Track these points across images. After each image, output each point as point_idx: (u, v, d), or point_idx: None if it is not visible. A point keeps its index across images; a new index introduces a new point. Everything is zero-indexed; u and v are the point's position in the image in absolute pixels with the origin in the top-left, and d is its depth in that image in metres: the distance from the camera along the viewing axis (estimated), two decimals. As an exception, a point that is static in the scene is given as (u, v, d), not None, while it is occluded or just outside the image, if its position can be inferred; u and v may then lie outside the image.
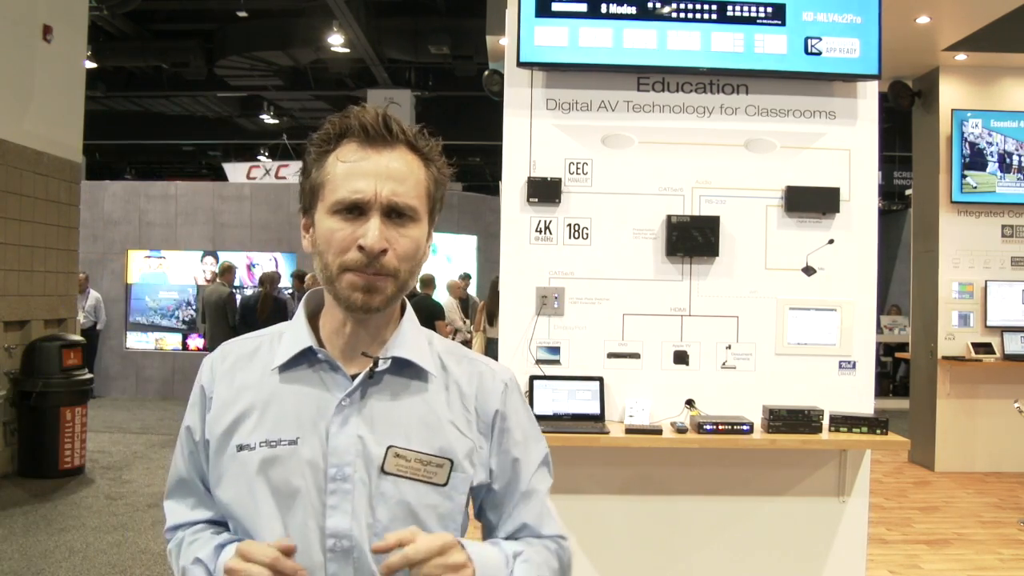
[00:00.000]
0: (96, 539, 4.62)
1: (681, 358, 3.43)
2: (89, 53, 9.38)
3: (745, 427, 3.18)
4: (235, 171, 15.23)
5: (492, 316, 8.04)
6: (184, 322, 11.18)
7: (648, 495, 3.43)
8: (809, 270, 3.46)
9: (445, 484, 1.10)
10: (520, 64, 3.36)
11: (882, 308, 12.71)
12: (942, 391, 6.63)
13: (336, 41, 10.56)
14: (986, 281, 6.56)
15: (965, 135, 6.55)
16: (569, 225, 3.43)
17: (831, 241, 3.46)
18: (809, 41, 3.36)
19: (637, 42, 3.34)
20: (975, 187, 6.56)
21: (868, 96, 3.48)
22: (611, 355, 3.42)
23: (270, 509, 1.08)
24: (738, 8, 3.34)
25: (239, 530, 1.11)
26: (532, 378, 3.30)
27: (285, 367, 1.13)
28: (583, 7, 3.32)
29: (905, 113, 7.10)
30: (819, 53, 3.36)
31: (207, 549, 1.11)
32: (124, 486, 5.88)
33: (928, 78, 6.78)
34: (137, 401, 10.52)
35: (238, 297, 9.20)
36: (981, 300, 6.58)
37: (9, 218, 5.96)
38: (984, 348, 6.53)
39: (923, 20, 5.48)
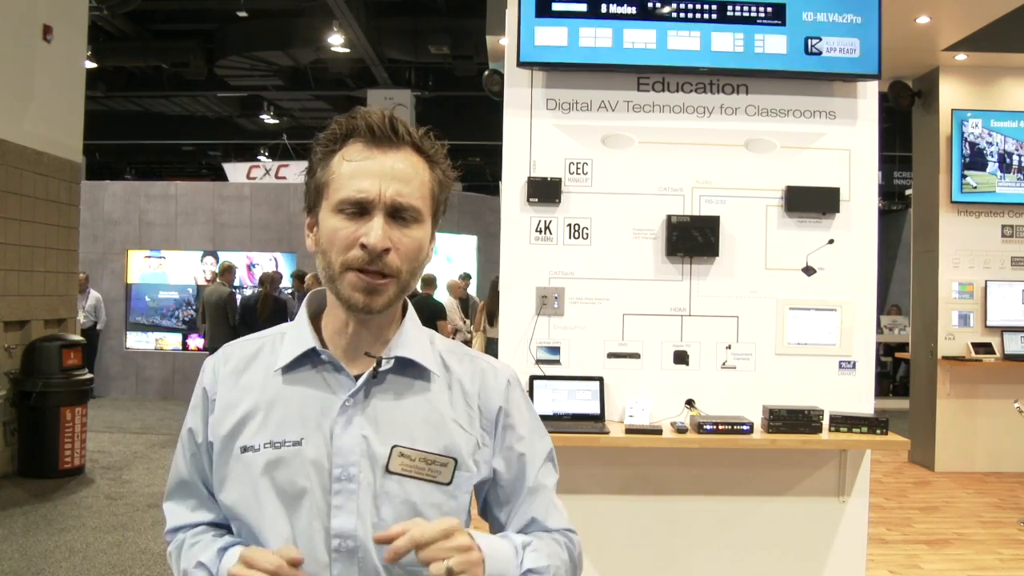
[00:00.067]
0: (96, 539, 4.62)
1: (681, 358, 3.43)
2: (89, 53, 9.38)
3: (745, 427, 3.18)
4: (235, 171, 15.24)
5: (492, 316, 8.04)
6: (184, 322, 11.18)
7: (648, 495, 3.44)
8: (809, 270, 3.46)
9: (449, 483, 1.10)
10: (520, 64, 3.36)
11: (882, 308, 12.71)
12: (942, 391, 6.63)
13: (336, 41, 10.56)
14: (986, 281, 6.57)
15: (965, 135, 6.55)
16: (569, 225, 3.43)
17: (831, 241, 3.46)
18: (809, 41, 3.36)
19: (637, 42, 3.34)
20: (975, 187, 6.56)
21: (868, 96, 3.49)
22: (611, 355, 3.42)
23: (275, 510, 1.08)
24: (738, 8, 3.34)
25: (244, 532, 1.11)
26: (532, 378, 3.30)
27: (288, 368, 1.13)
28: (583, 7, 3.32)
29: (905, 113, 7.10)
30: (819, 53, 3.36)
31: (209, 552, 1.11)
32: (124, 486, 5.89)
33: (928, 78, 6.78)
34: (137, 401, 10.52)
35: (238, 297, 9.20)
36: (981, 300, 6.58)
37: (9, 218, 5.96)
38: (984, 348, 6.54)
39: (923, 20, 5.48)
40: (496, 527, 1.21)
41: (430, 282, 8.90)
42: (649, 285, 3.44)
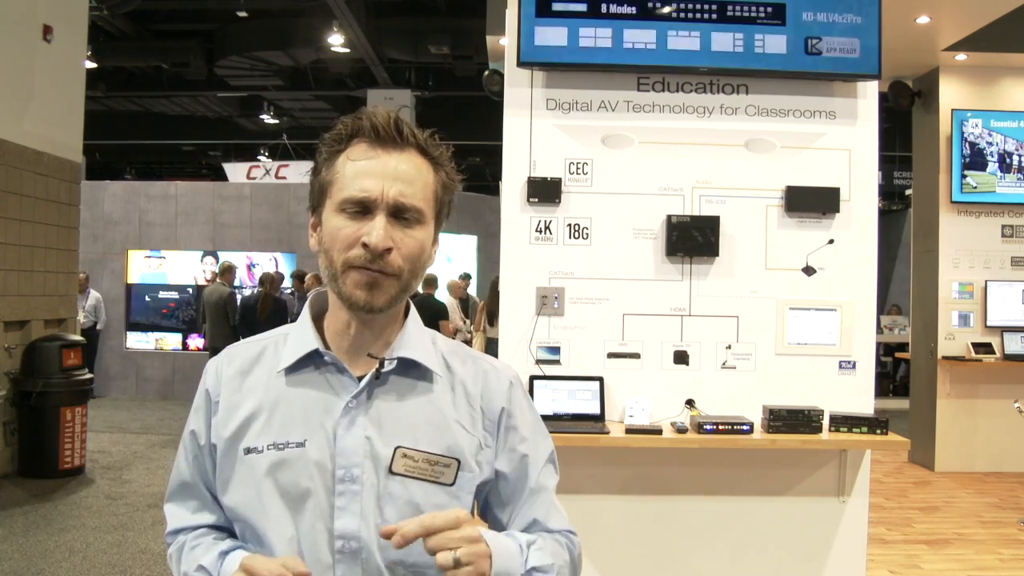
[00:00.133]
0: (96, 539, 4.62)
1: (681, 358, 3.43)
2: (89, 53, 9.37)
3: (745, 427, 3.18)
4: (235, 171, 15.24)
5: (492, 316, 8.04)
6: (184, 322, 11.18)
7: (648, 495, 3.44)
8: (809, 270, 3.46)
9: (452, 484, 1.11)
10: (520, 64, 3.36)
11: (882, 308, 12.71)
12: (942, 391, 6.64)
13: (336, 41, 10.56)
14: (986, 281, 6.57)
15: (965, 135, 6.55)
16: (569, 225, 3.43)
17: (831, 241, 3.46)
18: (809, 41, 3.36)
19: (637, 42, 3.34)
20: (975, 187, 6.57)
21: (868, 96, 3.49)
22: (611, 355, 3.42)
23: (279, 512, 1.08)
24: (738, 8, 3.34)
25: (247, 533, 1.11)
26: (532, 378, 3.30)
27: (291, 369, 1.13)
28: (583, 7, 3.32)
29: (905, 113, 7.10)
30: (819, 53, 3.36)
31: (210, 556, 1.10)
32: (124, 486, 5.89)
33: (928, 78, 6.78)
34: (137, 401, 10.52)
35: (238, 297, 9.20)
36: (981, 300, 6.58)
37: (9, 218, 5.96)
38: (984, 348, 6.54)
39: (923, 20, 5.48)
40: (497, 527, 1.21)
41: (431, 282, 8.91)
42: (649, 285, 3.44)
